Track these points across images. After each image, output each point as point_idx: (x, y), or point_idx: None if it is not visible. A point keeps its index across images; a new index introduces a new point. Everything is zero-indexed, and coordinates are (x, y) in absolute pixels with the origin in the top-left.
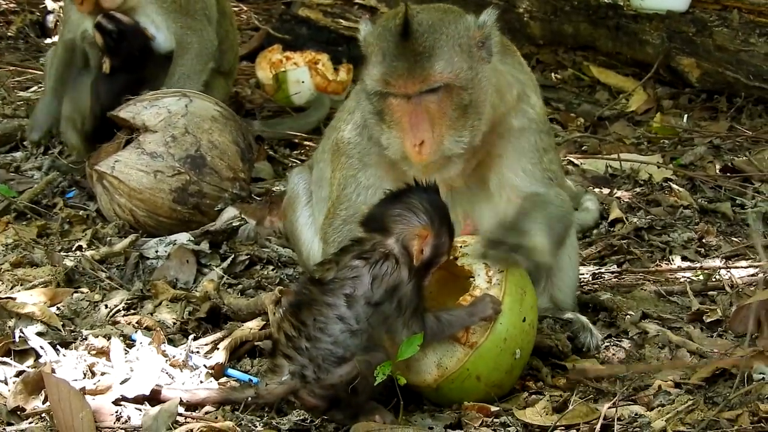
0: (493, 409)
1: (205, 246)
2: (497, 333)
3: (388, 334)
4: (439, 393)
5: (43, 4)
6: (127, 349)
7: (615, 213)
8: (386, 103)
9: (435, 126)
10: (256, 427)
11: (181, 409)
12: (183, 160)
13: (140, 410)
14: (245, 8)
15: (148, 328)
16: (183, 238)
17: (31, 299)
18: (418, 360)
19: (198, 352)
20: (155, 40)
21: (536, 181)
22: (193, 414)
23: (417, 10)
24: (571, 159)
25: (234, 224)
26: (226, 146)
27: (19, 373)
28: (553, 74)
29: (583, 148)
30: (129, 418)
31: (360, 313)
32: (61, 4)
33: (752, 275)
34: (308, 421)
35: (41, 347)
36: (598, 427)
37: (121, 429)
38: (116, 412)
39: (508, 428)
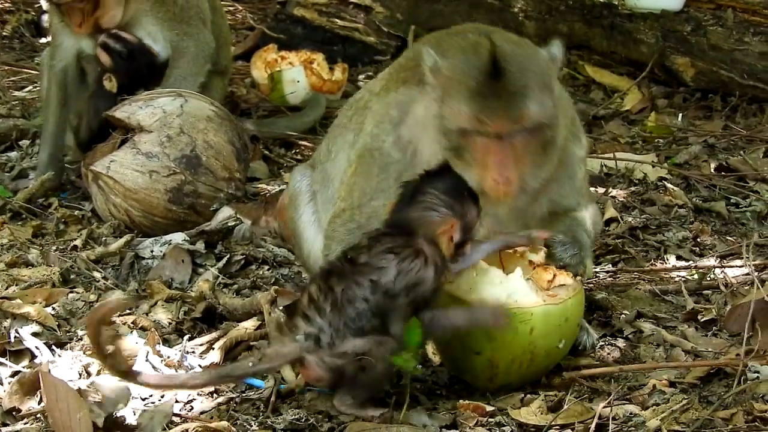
0: (489, 408)
1: (200, 246)
2: (565, 307)
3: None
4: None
5: (38, 3)
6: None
7: (610, 212)
8: (469, 141)
9: (519, 163)
10: (251, 426)
11: (176, 409)
12: (178, 160)
13: (135, 410)
14: (240, 8)
15: (143, 329)
16: (178, 238)
17: (27, 299)
18: (492, 284)
19: (193, 352)
20: (159, 56)
21: (581, 202)
22: (189, 414)
23: (497, 44)
24: None
25: (229, 224)
26: (222, 146)
27: (14, 374)
28: None
29: None
30: (125, 418)
31: (379, 300)
32: None
33: (747, 274)
34: (303, 420)
35: (37, 347)
36: (593, 426)
37: (118, 429)
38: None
39: (503, 428)
